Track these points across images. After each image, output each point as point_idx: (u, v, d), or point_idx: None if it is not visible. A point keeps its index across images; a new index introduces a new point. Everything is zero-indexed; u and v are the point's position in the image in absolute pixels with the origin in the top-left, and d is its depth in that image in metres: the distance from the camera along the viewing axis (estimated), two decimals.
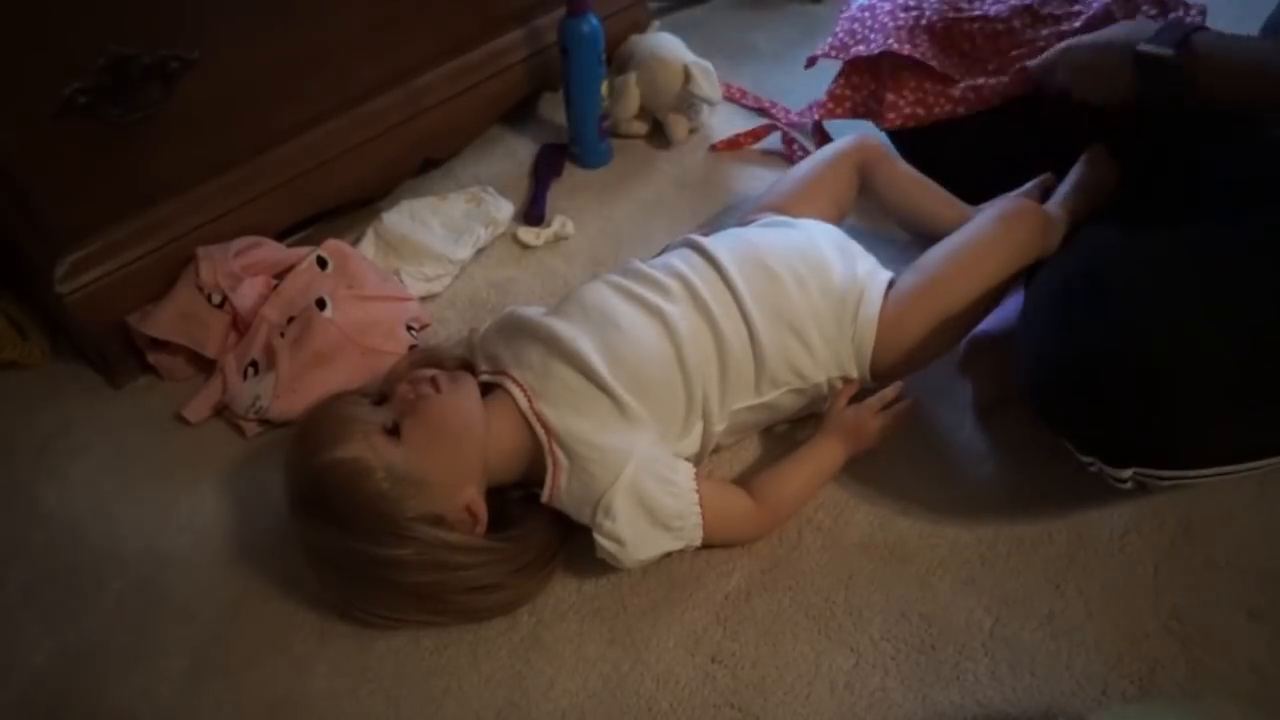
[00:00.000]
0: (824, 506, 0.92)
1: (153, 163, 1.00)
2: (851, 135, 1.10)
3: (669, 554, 0.84)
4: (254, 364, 1.03)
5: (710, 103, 1.36)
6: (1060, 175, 1.04)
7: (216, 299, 1.03)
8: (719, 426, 0.89)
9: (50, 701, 0.82)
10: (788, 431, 0.98)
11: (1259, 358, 0.72)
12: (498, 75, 1.29)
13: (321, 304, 1.02)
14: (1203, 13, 1.05)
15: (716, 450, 0.94)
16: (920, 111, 1.10)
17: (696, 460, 0.89)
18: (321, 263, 1.08)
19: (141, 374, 1.09)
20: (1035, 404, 0.82)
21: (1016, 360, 0.84)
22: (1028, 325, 0.83)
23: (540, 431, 0.83)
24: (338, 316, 1.02)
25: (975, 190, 1.07)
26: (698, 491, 0.83)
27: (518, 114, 1.40)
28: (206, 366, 1.07)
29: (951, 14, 1.12)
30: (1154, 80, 0.86)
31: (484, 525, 0.83)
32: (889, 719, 0.77)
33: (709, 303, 0.88)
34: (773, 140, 1.37)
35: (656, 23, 1.45)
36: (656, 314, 0.87)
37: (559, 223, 1.25)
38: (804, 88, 1.41)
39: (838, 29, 1.19)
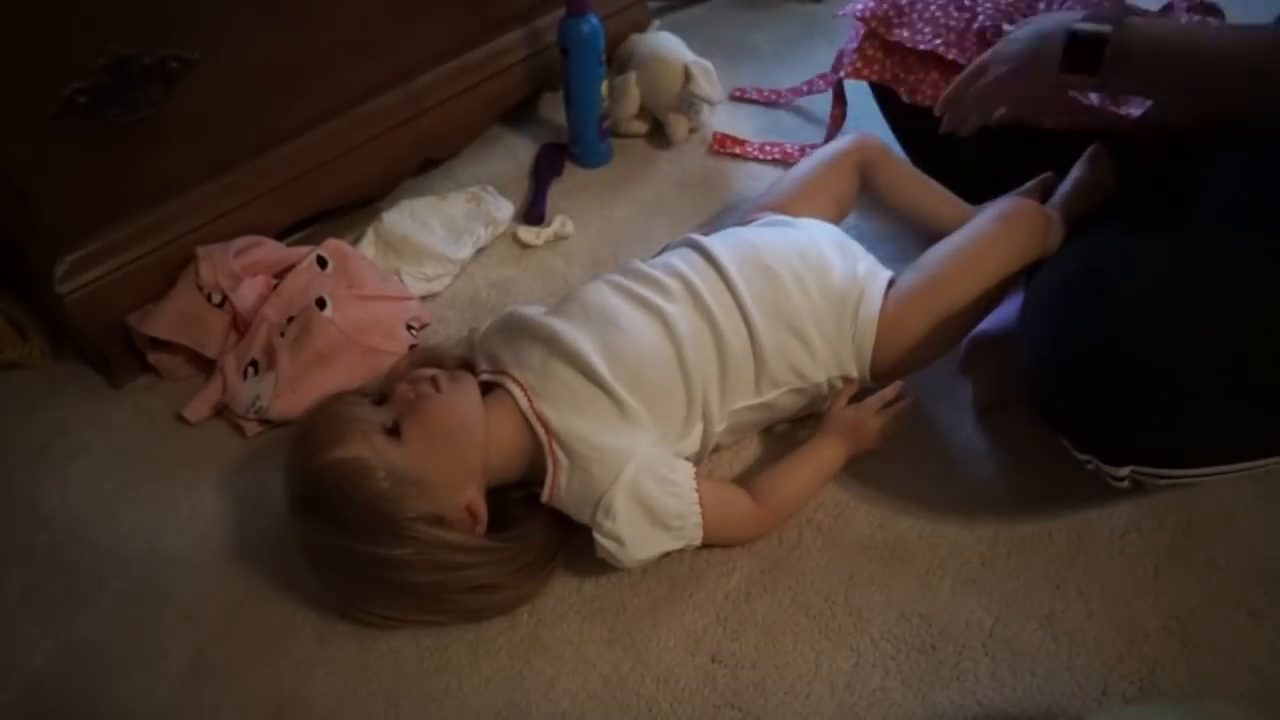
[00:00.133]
0: (824, 506, 0.92)
1: (153, 163, 1.00)
2: (852, 134, 1.10)
3: (669, 554, 0.84)
4: (254, 364, 1.03)
5: (710, 102, 1.36)
6: (1061, 175, 1.04)
7: (216, 299, 1.03)
8: (719, 426, 0.89)
9: (50, 701, 0.82)
10: (788, 431, 0.98)
11: (1257, 357, 0.72)
12: (498, 75, 1.29)
13: (321, 304, 1.02)
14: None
15: (716, 450, 0.94)
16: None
17: (696, 460, 0.89)
18: (321, 262, 1.08)
19: (141, 374, 1.09)
20: (1034, 402, 0.82)
21: (1016, 359, 0.84)
22: (1027, 324, 0.83)
23: (540, 431, 0.83)
24: (338, 316, 1.02)
25: (976, 189, 1.07)
26: (698, 491, 0.83)
27: (518, 114, 1.40)
28: (206, 366, 1.07)
29: (1007, 25, 1.05)
30: (1082, 60, 0.86)
31: (484, 525, 0.83)
32: (889, 719, 0.77)
33: (709, 302, 0.88)
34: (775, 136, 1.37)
35: (656, 22, 1.45)
36: (657, 314, 0.87)
37: (559, 223, 1.25)
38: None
39: None
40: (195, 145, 1.02)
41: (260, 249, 1.09)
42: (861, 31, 1.15)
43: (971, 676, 0.79)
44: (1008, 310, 0.96)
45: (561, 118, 1.35)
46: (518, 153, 1.39)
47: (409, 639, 0.84)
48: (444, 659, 0.83)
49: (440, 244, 1.18)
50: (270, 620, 0.86)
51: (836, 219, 1.05)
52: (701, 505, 0.83)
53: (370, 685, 0.82)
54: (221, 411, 1.04)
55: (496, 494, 0.86)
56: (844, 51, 1.19)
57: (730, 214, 1.24)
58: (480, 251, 1.22)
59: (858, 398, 0.93)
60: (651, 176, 1.34)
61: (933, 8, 1.11)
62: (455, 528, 0.82)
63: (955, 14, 1.10)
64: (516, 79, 1.32)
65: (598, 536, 0.82)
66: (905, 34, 1.12)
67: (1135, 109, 0.98)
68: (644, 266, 0.93)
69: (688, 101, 1.35)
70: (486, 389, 0.88)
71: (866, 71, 1.17)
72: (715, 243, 0.94)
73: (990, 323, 0.96)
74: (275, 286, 1.06)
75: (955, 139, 1.04)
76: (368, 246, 1.17)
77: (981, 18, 1.08)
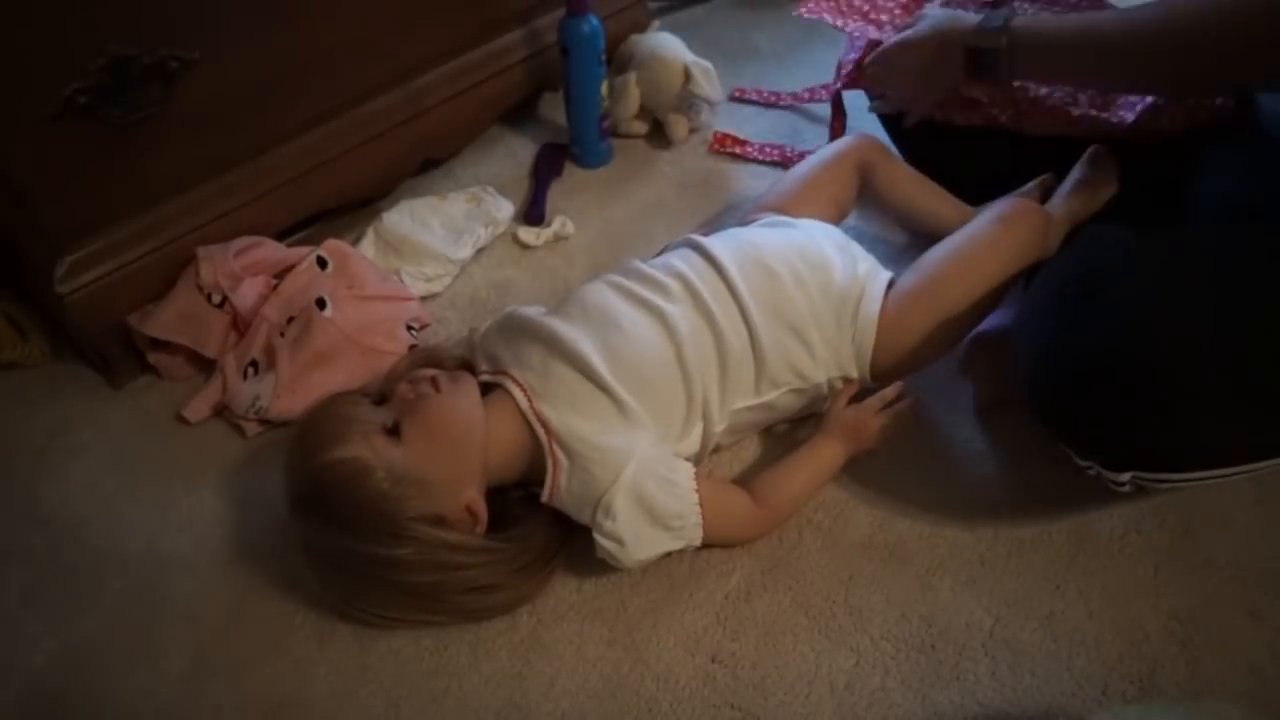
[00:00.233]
0: (824, 506, 0.92)
1: (153, 163, 1.00)
2: (851, 135, 1.10)
3: (669, 554, 0.84)
4: (254, 364, 1.03)
5: (710, 102, 1.36)
6: (1060, 176, 1.04)
7: (216, 299, 1.03)
8: (719, 426, 0.89)
9: (50, 701, 0.82)
10: (788, 431, 0.98)
11: (1256, 358, 0.72)
12: (498, 75, 1.29)
13: (321, 304, 1.02)
14: None
15: (716, 450, 0.94)
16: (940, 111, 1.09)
17: (696, 460, 0.89)
18: (321, 263, 1.08)
19: (141, 374, 1.09)
20: (1033, 406, 0.82)
21: (1015, 361, 0.84)
22: (1025, 326, 0.83)
23: (540, 431, 0.83)
24: (338, 316, 1.02)
25: (975, 190, 1.07)
26: (698, 491, 0.83)
27: (518, 114, 1.40)
28: (206, 366, 1.07)
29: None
30: (984, 70, 0.94)
31: (484, 525, 0.83)
32: (889, 719, 0.77)
33: (709, 302, 0.88)
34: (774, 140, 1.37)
35: (656, 23, 1.45)
36: (657, 314, 0.87)
37: (559, 223, 1.25)
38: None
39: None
40: (195, 145, 1.02)
41: (260, 249, 1.09)
42: (864, 45, 1.15)
43: (971, 676, 0.79)
44: (1008, 310, 0.96)
45: (561, 118, 1.35)
46: (518, 153, 1.39)
47: (409, 639, 0.84)
48: (444, 659, 0.83)
49: (440, 244, 1.18)
50: (270, 620, 0.86)
51: (836, 219, 1.05)
52: (701, 505, 0.83)
53: (370, 685, 0.82)
54: (221, 411, 1.04)
55: (496, 494, 0.86)
56: (843, 62, 1.19)
57: (730, 214, 1.24)
58: (480, 252, 1.22)
59: (858, 398, 0.93)
60: (651, 177, 1.34)
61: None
62: (455, 528, 0.82)
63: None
64: (516, 79, 1.32)
65: (598, 536, 0.82)
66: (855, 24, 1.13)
67: (1127, 114, 0.99)
68: (644, 267, 0.93)
69: (688, 102, 1.35)
70: (486, 389, 0.88)
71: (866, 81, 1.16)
72: (715, 243, 0.94)
73: (990, 323, 0.96)
74: (275, 286, 1.06)
75: (951, 142, 1.04)
76: (368, 246, 1.17)
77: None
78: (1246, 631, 0.81)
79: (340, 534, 0.80)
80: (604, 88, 1.29)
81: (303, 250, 1.10)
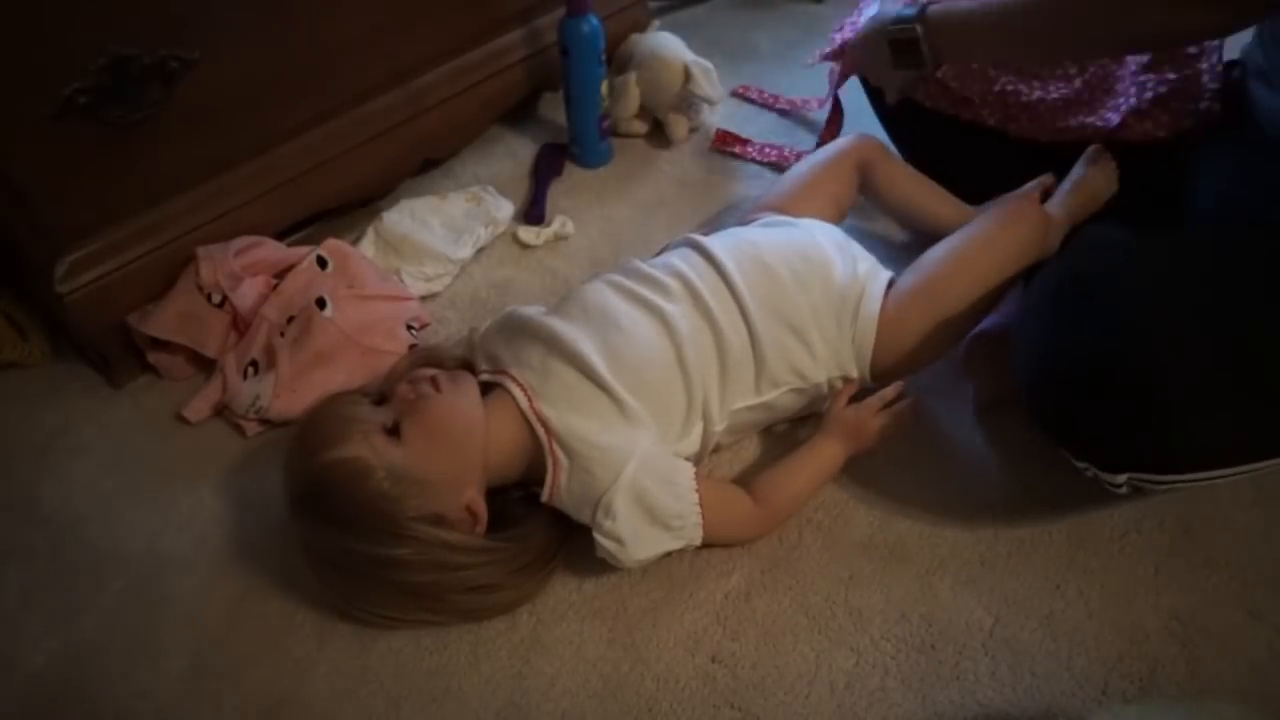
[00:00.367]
0: (824, 506, 0.92)
1: (153, 163, 1.00)
2: (851, 135, 1.10)
3: (669, 554, 0.84)
4: (254, 364, 1.03)
5: (710, 102, 1.36)
6: (1060, 176, 1.04)
7: (216, 298, 1.03)
8: (719, 426, 0.89)
9: (50, 701, 0.82)
10: (788, 431, 0.98)
11: (1252, 361, 0.72)
12: (498, 75, 1.29)
13: (321, 303, 1.02)
14: None
15: (716, 450, 0.94)
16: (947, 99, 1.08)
17: (696, 460, 0.89)
18: (321, 262, 1.08)
19: (141, 374, 1.09)
20: (1030, 407, 0.82)
21: (1013, 361, 0.84)
22: (1024, 327, 0.83)
23: (540, 431, 0.83)
24: (338, 316, 1.02)
25: (975, 190, 1.07)
26: (698, 491, 0.83)
27: (518, 114, 1.40)
28: (206, 366, 1.07)
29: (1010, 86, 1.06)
30: (908, 58, 0.97)
31: (484, 525, 0.83)
32: (889, 719, 0.77)
33: (709, 302, 0.88)
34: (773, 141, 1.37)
35: (656, 22, 1.45)
36: (657, 313, 0.88)
37: (559, 222, 1.25)
38: (805, 88, 1.42)
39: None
40: (195, 145, 1.02)
41: (260, 249, 1.09)
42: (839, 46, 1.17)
43: (971, 676, 0.79)
44: (1008, 310, 0.96)
45: (561, 118, 1.35)
46: (518, 153, 1.39)
47: (409, 639, 0.84)
48: (444, 659, 0.83)
49: (440, 244, 1.18)
50: (270, 620, 0.86)
51: (836, 219, 1.05)
52: (701, 505, 0.83)
53: (370, 685, 0.82)
54: (221, 411, 1.04)
55: (496, 494, 0.87)
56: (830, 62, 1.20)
57: (730, 214, 1.24)
58: (480, 251, 1.22)
59: (858, 398, 0.93)
60: (651, 176, 1.34)
61: None
62: (455, 528, 0.82)
63: None
64: (516, 79, 1.32)
65: (598, 536, 0.82)
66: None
67: (1113, 116, 0.99)
68: (644, 266, 0.93)
69: (688, 101, 1.35)
70: (486, 389, 0.88)
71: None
72: (715, 242, 0.94)
73: (990, 322, 0.96)
74: (275, 286, 1.06)
75: (951, 141, 1.04)
76: (368, 246, 1.17)
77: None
78: (1246, 631, 0.81)
79: (340, 534, 0.80)
80: (604, 87, 1.29)
81: (303, 250, 1.10)
